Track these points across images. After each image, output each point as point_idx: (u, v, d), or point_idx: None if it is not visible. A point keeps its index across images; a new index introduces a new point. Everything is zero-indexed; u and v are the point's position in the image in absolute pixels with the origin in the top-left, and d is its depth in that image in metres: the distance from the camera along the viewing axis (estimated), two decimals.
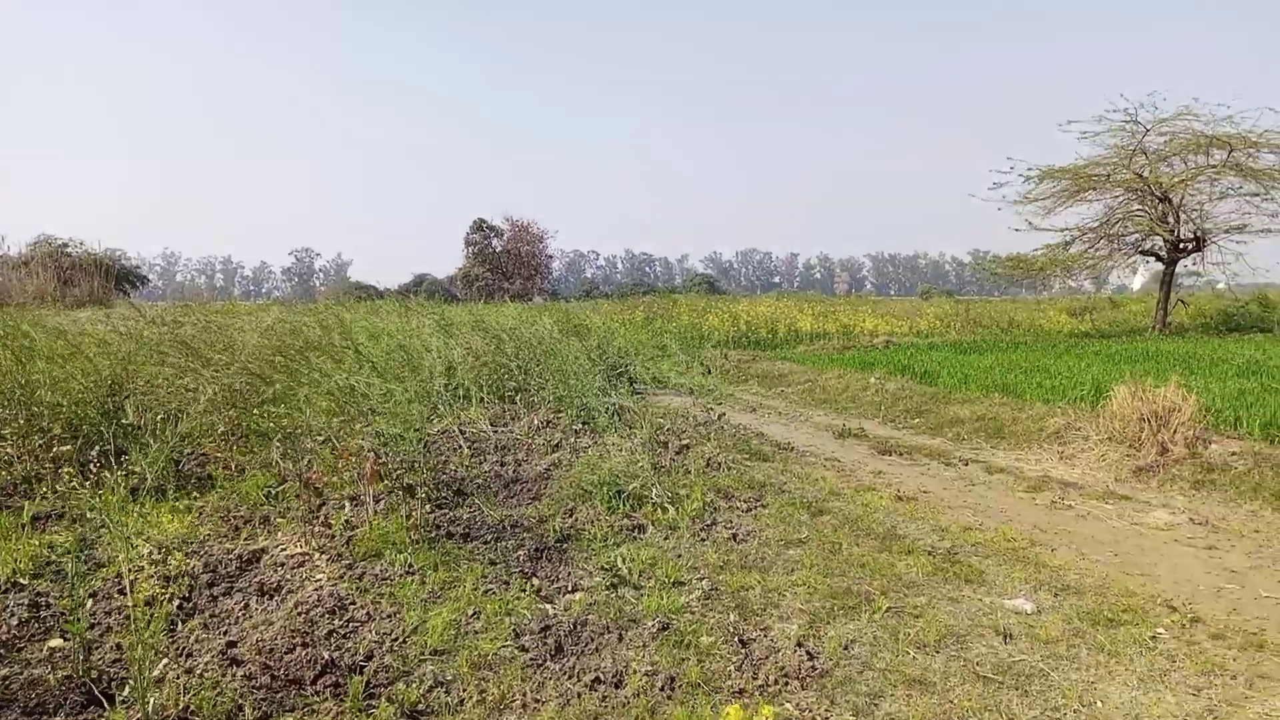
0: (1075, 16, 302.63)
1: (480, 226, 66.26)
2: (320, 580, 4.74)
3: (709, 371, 17.62)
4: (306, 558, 5.10)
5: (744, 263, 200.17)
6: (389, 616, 4.29)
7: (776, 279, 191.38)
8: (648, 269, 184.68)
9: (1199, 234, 24.30)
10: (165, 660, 3.67)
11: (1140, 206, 25.04)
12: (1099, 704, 3.56)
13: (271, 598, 4.55)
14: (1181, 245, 24.56)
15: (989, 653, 4.04)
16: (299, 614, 4.24)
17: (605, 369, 13.44)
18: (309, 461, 6.08)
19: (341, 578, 4.77)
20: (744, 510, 6.53)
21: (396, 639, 4.05)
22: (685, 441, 8.69)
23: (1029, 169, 25.46)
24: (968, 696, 3.59)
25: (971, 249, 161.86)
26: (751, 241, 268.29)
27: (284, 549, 5.26)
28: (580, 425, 9.47)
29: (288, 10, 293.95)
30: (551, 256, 71.91)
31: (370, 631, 4.11)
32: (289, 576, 4.83)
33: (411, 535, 5.37)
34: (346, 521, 5.68)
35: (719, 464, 7.89)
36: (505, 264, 65.13)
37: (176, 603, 4.41)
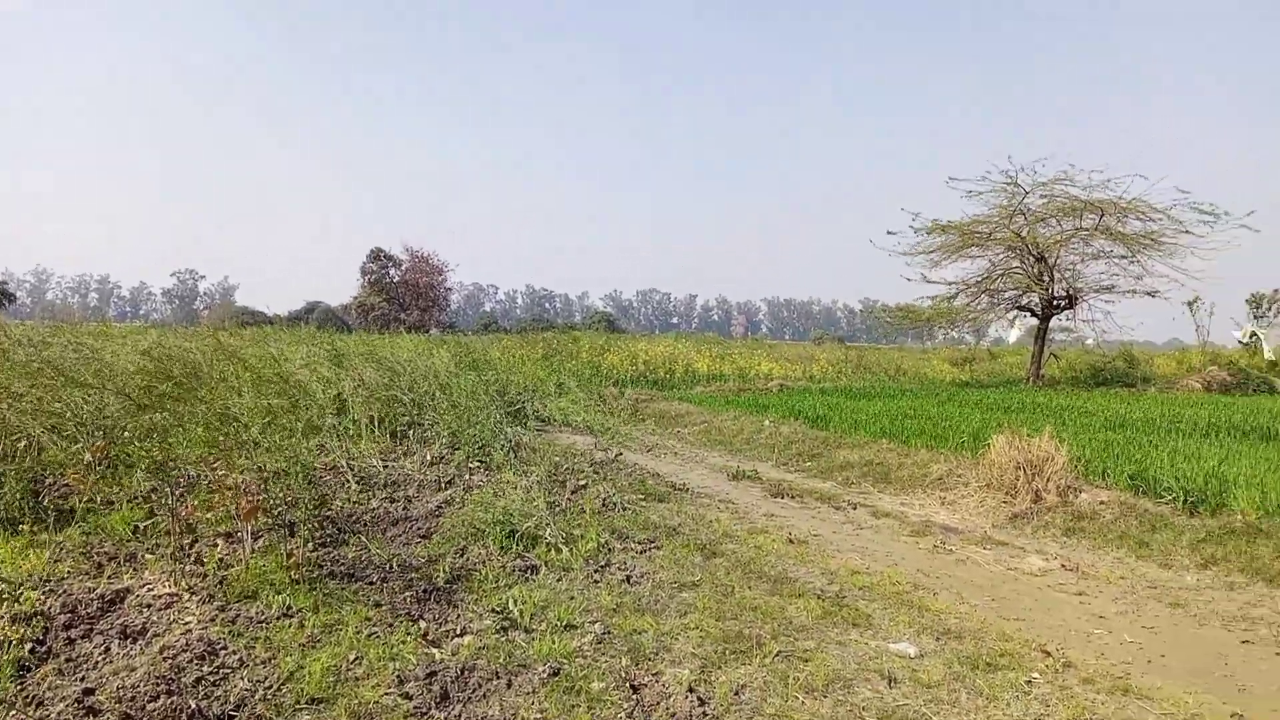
0: (980, 71, 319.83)
1: (378, 255, 64.94)
2: (189, 623, 4.47)
3: (607, 410, 17.62)
4: (175, 598, 4.81)
5: (644, 302, 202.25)
6: (264, 662, 4.07)
7: (675, 319, 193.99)
8: (548, 305, 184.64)
9: (1071, 292, 25.79)
10: (13, 710, 3.38)
11: (1019, 264, 26.44)
12: None
13: (135, 641, 4.27)
14: (1055, 302, 26.00)
15: (874, 697, 4.10)
16: (165, 659, 3.98)
17: (503, 405, 13.29)
18: (181, 495, 5.78)
19: (213, 620, 4.51)
20: (639, 552, 6.50)
21: (271, 686, 3.84)
22: (582, 481, 8.63)
23: (920, 222, 26.61)
24: None
25: (862, 297, 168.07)
26: (652, 281, 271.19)
27: (151, 589, 4.95)
28: (475, 462, 9.30)
29: (199, 27, 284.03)
30: (450, 289, 70.96)
31: (242, 678, 3.89)
32: (155, 618, 4.55)
33: (291, 575, 5.14)
34: (220, 560, 5.40)
35: (615, 504, 7.85)
36: (402, 294, 63.94)
37: (28, 646, 4.09)
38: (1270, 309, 39.09)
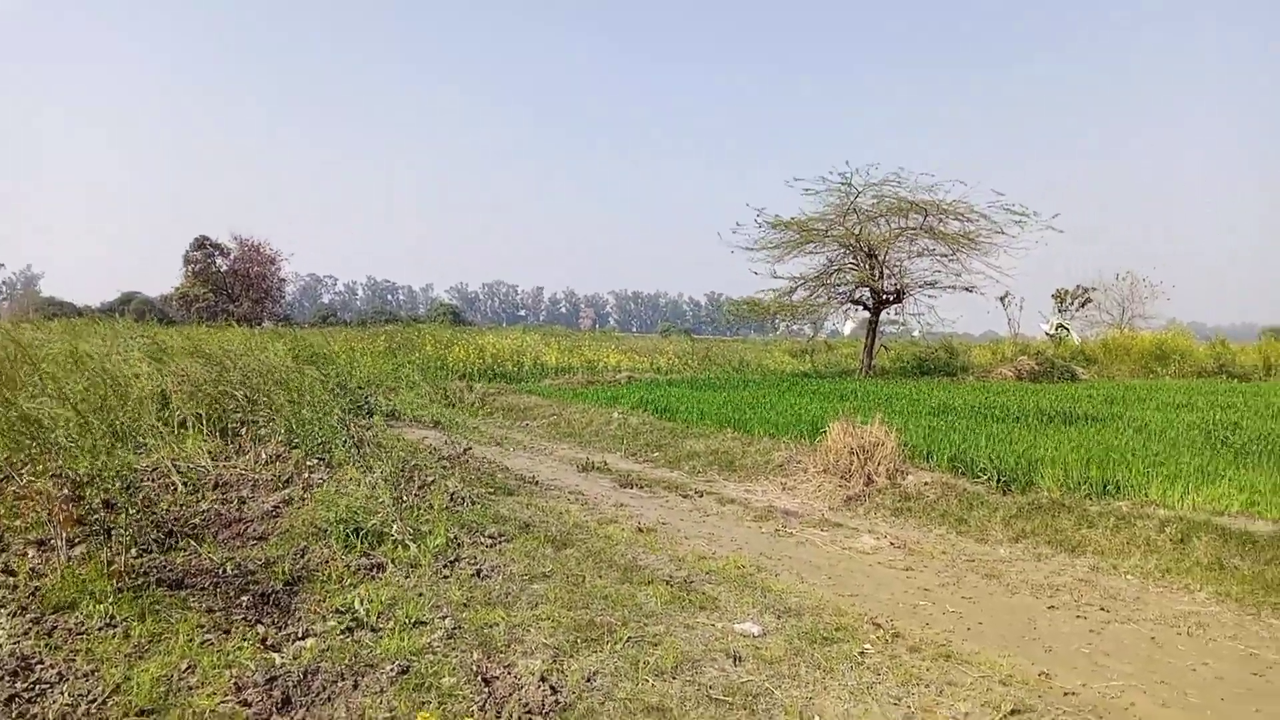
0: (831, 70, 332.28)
1: (203, 244, 60.96)
2: None
3: (454, 404, 17.34)
4: None
5: (490, 295, 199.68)
6: (86, 675, 3.80)
7: (522, 312, 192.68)
8: (390, 297, 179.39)
9: (899, 287, 27.30)
10: None
11: (852, 260, 27.76)
12: (816, 718, 3.85)
13: None
14: (885, 297, 27.46)
15: (720, 675, 4.25)
16: None
17: (345, 400, 12.84)
18: None
19: (26, 634, 4.16)
20: (489, 546, 6.45)
21: (95, 700, 3.58)
22: (429, 476, 8.46)
23: (763, 218, 27.48)
24: (700, 719, 3.76)
25: (708, 291, 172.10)
26: (497, 274, 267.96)
27: None
28: (315, 460, 8.95)
29: None
30: (285, 279, 67.55)
31: (63, 694, 3.61)
32: None
33: (114, 584, 4.80)
34: (33, 570, 4.98)
35: (464, 499, 7.75)
36: (231, 285, 60.42)
37: None
38: (1073, 303, 42.69)
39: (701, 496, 9.24)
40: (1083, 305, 43.14)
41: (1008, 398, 17.12)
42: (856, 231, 26.57)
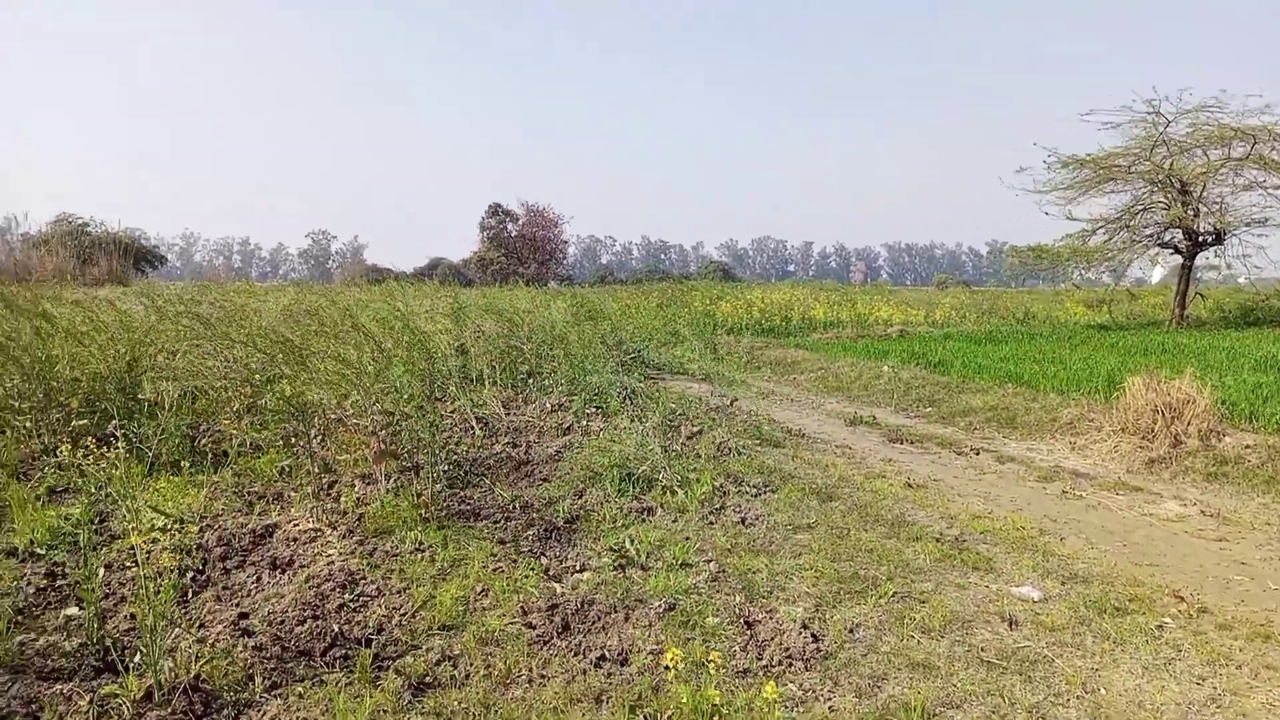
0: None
1: (495, 211, 66.28)
2: (331, 555, 4.80)
3: (722, 358, 17.63)
4: (318, 533, 5.16)
5: (759, 250, 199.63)
6: (398, 592, 4.34)
7: (791, 267, 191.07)
8: (663, 256, 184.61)
9: (1219, 227, 23.94)
10: (177, 630, 3.73)
11: (1160, 198, 24.70)
12: (1102, 690, 3.57)
13: (283, 572, 4.62)
14: (1201, 238, 24.23)
15: (994, 639, 4.05)
16: (310, 588, 4.30)
17: (618, 354, 13.48)
18: (322, 439, 6.14)
19: (352, 553, 4.82)
20: (753, 495, 6.54)
21: (405, 614, 4.09)
22: (697, 426, 8.70)
23: (1051, 156, 25.13)
24: (970, 681, 3.61)
25: (989, 240, 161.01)
26: (767, 229, 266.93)
27: (296, 525, 5.32)
28: (592, 409, 9.50)
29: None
30: (567, 242, 71.82)
31: (380, 606, 4.16)
32: (301, 551, 4.90)
33: (421, 513, 5.42)
34: (358, 499, 5.74)
35: (730, 449, 7.89)
36: (520, 249, 65.16)
37: (190, 575, 4.48)
38: None
39: (978, 454, 8.75)
40: None
41: None
42: (1166, 166, 23.55)
